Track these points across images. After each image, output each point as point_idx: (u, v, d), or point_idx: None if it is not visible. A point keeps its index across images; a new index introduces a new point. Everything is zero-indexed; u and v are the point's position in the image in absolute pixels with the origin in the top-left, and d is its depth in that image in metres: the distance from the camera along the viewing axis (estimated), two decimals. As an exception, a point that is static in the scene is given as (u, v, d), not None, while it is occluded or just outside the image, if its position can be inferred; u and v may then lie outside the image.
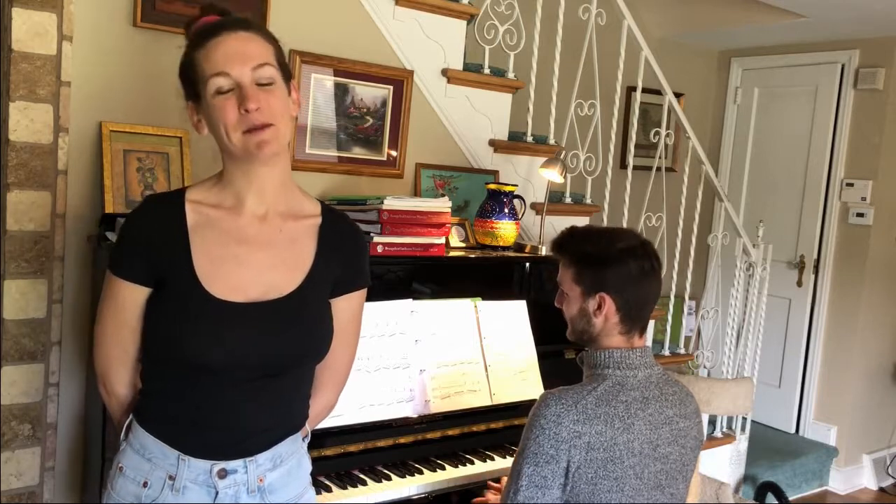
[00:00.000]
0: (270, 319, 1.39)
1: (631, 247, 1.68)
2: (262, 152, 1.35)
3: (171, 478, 1.37)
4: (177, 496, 1.37)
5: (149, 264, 1.38)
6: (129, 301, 1.40)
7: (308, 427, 1.55)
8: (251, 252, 1.40)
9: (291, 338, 1.41)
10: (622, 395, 1.61)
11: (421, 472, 2.08)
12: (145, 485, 1.38)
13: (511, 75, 2.92)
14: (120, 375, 1.45)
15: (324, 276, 1.46)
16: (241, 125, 1.34)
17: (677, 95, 3.56)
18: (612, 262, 1.66)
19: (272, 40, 1.42)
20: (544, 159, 2.89)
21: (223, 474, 1.38)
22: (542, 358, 2.44)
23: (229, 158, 1.41)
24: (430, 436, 2.19)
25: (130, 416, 1.45)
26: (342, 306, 1.51)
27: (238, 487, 1.39)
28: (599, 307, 1.65)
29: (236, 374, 1.37)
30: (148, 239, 1.39)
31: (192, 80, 1.38)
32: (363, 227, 2.27)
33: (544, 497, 1.55)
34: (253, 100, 1.33)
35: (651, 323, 3.40)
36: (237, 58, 1.34)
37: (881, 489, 4.55)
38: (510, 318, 2.43)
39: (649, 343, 3.33)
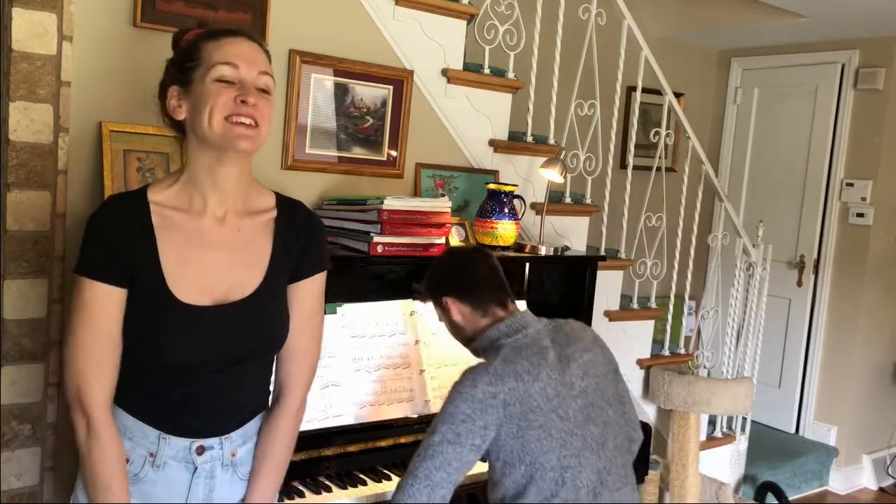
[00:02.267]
0: (236, 320, 1.43)
1: (442, 256, 2.10)
2: (239, 143, 1.38)
3: (151, 455, 1.43)
4: (157, 471, 1.43)
5: (122, 263, 1.38)
6: (106, 305, 1.36)
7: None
8: (211, 254, 1.44)
9: (256, 334, 1.46)
10: (522, 352, 1.78)
11: (421, 472, 2.08)
12: (126, 461, 1.42)
13: (511, 75, 2.91)
14: (97, 393, 1.36)
15: (281, 268, 1.50)
16: (229, 111, 1.37)
17: (677, 95, 3.56)
18: (432, 277, 2.00)
19: (270, 62, 1.49)
20: (544, 159, 2.89)
21: (201, 451, 1.45)
22: (542, 358, 2.44)
23: (198, 151, 1.42)
24: (430, 436, 2.19)
25: None
26: (304, 290, 1.53)
27: (214, 462, 1.46)
28: (449, 310, 1.92)
29: (204, 369, 1.42)
30: (119, 237, 1.39)
31: (188, 65, 1.42)
32: (363, 227, 2.27)
33: (454, 452, 1.65)
34: (253, 96, 1.39)
35: (650, 323, 3.40)
36: (248, 59, 1.41)
37: (881, 489, 4.55)
38: (510, 318, 2.42)
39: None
